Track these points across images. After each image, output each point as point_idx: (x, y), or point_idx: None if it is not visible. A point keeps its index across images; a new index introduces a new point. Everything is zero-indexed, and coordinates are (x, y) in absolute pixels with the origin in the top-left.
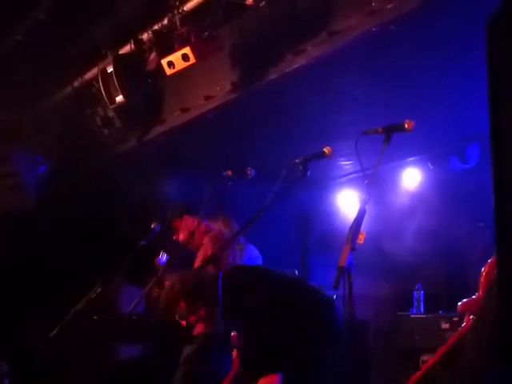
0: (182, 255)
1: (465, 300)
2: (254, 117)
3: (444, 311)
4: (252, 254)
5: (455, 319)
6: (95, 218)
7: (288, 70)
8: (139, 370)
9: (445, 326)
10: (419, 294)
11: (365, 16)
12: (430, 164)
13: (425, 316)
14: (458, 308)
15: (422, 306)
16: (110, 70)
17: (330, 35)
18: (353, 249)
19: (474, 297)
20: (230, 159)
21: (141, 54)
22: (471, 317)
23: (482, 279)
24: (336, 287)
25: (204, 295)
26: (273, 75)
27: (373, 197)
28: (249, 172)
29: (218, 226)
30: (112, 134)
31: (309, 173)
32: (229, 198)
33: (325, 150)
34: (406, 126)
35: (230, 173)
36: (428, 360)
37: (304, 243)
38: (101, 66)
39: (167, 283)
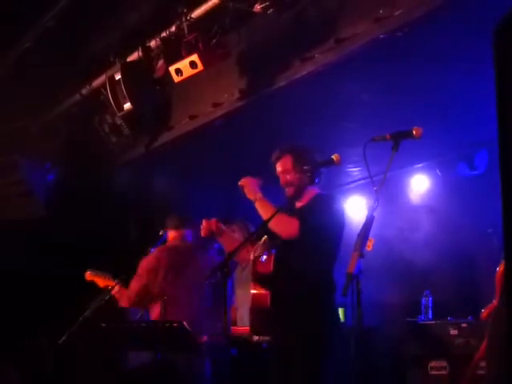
0: None
1: (488, 306)
2: (260, 124)
3: (452, 317)
4: None
5: (464, 325)
6: (103, 225)
7: (296, 77)
8: (148, 378)
9: (453, 332)
10: (427, 300)
11: (372, 23)
12: (438, 170)
13: (433, 322)
14: (482, 315)
15: (430, 312)
16: (117, 77)
17: (337, 42)
18: (361, 255)
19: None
20: (238, 167)
21: (149, 62)
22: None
23: (497, 282)
24: (344, 294)
25: None
26: (281, 82)
27: (381, 203)
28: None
29: (236, 230)
30: (120, 141)
31: (317, 180)
32: (239, 205)
33: (333, 157)
34: (414, 132)
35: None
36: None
37: None
38: (109, 73)
39: None
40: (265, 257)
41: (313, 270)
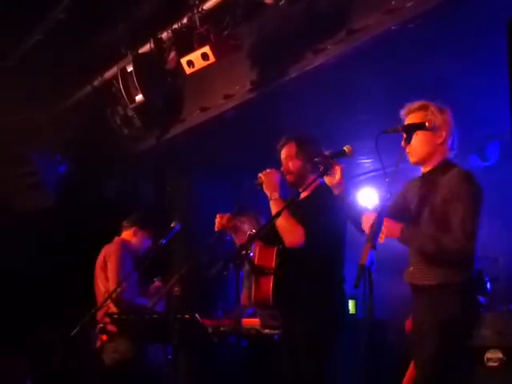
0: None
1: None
2: (272, 117)
3: None
4: None
5: None
6: (114, 217)
7: (308, 68)
8: (159, 369)
9: None
10: None
11: (384, 14)
12: None
13: None
14: (406, 328)
15: None
16: (129, 69)
17: (349, 34)
18: (374, 247)
19: None
20: (250, 160)
21: (160, 53)
22: None
23: None
24: (356, 286)
25: None
26: (292, 74)
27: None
28: None
29: (245, 221)
30: (131, 133)
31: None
32: (252, 198)
33: (345, 148)
34: (427, 124)
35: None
36: None
37: None
38: (121, 65)
39: None
40: (253, 250)
41: (319, 262)
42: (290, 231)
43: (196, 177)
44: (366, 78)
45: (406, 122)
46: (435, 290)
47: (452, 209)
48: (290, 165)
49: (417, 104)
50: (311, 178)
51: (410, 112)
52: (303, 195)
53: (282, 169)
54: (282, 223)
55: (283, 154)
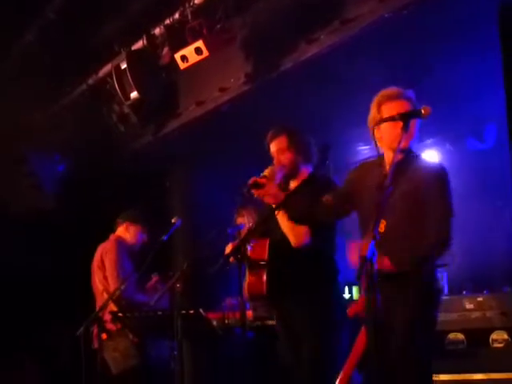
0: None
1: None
2: (269, 108)
3: (468, 291)
4: None
5: (479, 299)
6: (112, 215)
7: (302, 59)
8: (165, 367)
9: (469, 306)
10: (442, 275)
11: (377, 2)
12: (448, 145)
13: (449, 297)
14: (348, 312)
15: (445, 287)
16: (123, 66)
17: (342, 23)
18: (374, 238)
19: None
20: (248, 152)
21: (154, 49)
22: None
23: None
24: (358, 278)
25: None
26: (287, 65)
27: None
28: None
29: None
30: (128, 130)
31: (328, 161)
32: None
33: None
34: (423, 111)
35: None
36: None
37: None
38: (114, 62)
39: None
40: (252, 244)
41: (312, 250)
42: (296, 232)
43: (194, 171)
44: (361, 66)
45: (384, 110)
46: (404, 276)
47: (430, 206)
48: (283, 158)
49: (393, 91)
50: (304, 169)
51: (389, 99)
52: (293, 185)
53: (273, 162)
54: (286, 224)
55: (274, 146)
